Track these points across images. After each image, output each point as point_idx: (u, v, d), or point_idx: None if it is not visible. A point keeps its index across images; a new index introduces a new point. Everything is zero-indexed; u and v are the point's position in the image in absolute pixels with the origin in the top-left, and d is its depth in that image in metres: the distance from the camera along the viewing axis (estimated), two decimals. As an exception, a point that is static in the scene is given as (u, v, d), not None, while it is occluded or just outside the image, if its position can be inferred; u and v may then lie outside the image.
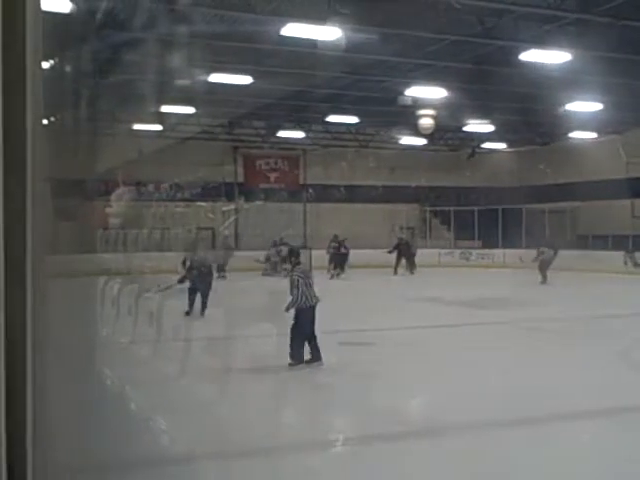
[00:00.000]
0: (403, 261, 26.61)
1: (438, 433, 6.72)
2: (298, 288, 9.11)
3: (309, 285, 9.25)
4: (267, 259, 25.42)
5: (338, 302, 16.96)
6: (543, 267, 22.16)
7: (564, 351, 10.83)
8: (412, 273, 26.09)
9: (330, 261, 25.43)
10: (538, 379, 8.64)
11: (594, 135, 29.41)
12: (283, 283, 10.11)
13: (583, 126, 27.30)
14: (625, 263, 24.76)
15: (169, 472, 5.74)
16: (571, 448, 6.26)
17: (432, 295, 18.38)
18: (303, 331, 9.10)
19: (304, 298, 9.10)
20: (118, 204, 21.63)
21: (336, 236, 26.01)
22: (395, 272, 25.93)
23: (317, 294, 9.36)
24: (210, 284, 14.27)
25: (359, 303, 16.85)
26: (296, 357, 9.06)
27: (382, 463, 5.71)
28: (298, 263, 9.69)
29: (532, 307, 16.22)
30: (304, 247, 28.07)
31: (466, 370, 9.25)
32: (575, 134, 29.37)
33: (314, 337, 9.17)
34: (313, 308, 9.21)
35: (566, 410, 7.37)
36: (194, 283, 14.14)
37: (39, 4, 0.88)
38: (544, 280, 21.85)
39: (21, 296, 0.88)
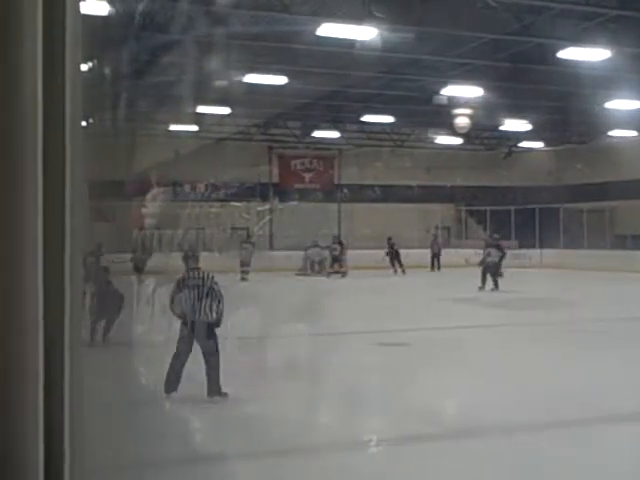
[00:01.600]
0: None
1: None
2: (171, 297, 7.57)
3: (200, 297, 7.39)
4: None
5: (386, 301, 16.93)
6: (488, 271, 19.77)
7: (605, 352, 10.66)
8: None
9: (331, 262, 26.27)
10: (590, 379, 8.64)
11: (634, 133, 28.91)
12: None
13: (623, 124, 26.84)
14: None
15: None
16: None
17: (468, 296, 18.23)
18: (180, 352, 7.31)
19: (174, 308, 7.51)
20: (153, 204, 21.87)
21: (335, 237, 27.01)
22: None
23: (215, 309, 7.42)
24: (120, 305, 10.47)
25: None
26: (168, 383, 7.24)
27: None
28: (196, 268, 7.77)
29: (569, 308, 16.00)
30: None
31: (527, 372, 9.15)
32: (614, 132, 28.91)
33: (210, 364, 7.22)
34: (204, 325, 7.32)
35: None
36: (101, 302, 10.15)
37: (79, 8, 0.90)
38: (494, 286, 19.57)
39: (60, 297, 0.89)
